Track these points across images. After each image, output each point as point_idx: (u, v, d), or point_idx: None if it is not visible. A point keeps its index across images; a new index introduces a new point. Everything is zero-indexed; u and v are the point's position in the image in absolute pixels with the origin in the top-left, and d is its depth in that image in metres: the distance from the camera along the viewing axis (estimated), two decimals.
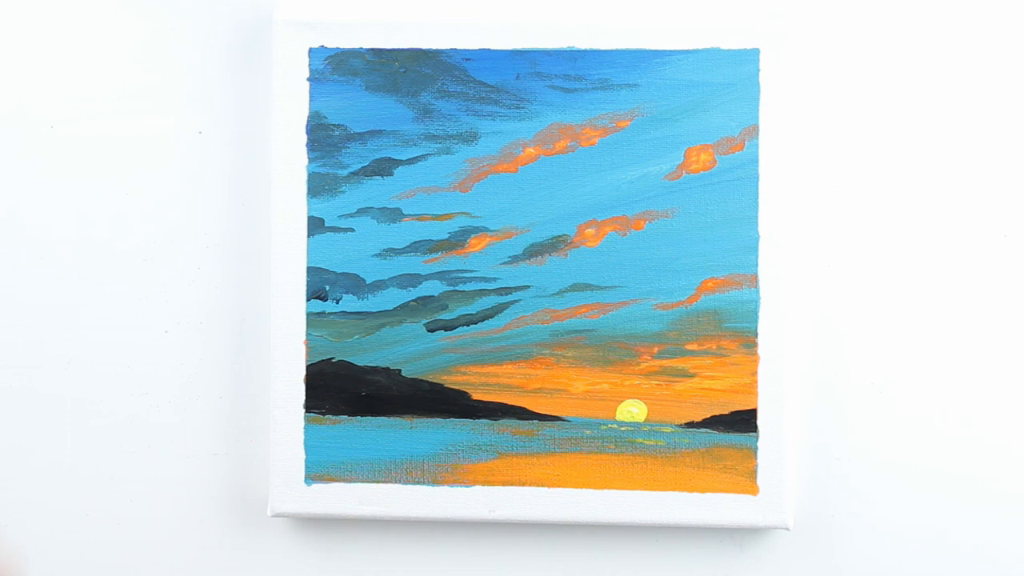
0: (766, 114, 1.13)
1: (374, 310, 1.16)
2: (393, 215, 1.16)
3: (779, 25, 1.13)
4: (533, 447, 1.15)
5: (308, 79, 1.15)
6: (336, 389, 1.16)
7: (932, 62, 1.15)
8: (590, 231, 1.15)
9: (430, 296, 1.16)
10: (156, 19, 1.19)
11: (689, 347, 1.14)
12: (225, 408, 1.19)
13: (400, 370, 1.16)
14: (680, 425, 1.15)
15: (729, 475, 1.14)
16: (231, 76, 1.18)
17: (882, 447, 1.16)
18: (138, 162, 1.19)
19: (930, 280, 1.16)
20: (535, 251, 1.15)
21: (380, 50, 1.15)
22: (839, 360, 1.16)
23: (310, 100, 1.15)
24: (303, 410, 1.16)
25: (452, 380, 1.16)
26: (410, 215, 1.16)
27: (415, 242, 1.16)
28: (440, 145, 1.15)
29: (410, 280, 1.16)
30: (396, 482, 1.16)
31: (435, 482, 1.16)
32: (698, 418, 1.14)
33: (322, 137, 1.15)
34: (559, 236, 1.15)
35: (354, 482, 1.16)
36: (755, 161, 1.13)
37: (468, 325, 1.15)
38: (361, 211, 1.16)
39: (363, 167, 1.16)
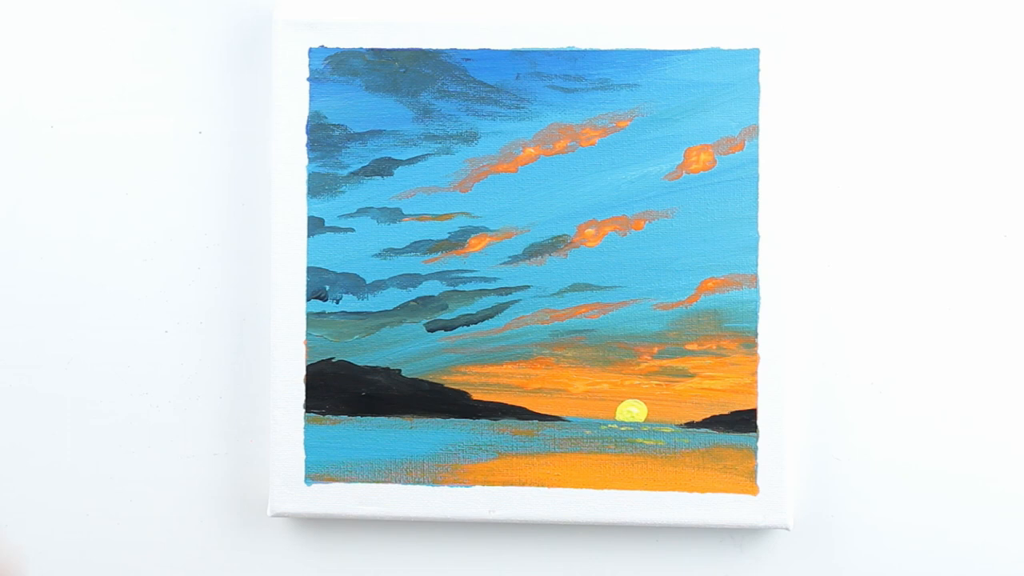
0: (766, 114, 1.13)
1: (374, 310, 1.16)
2: (393, 215, 1.16)
3: (779, 25, 1.13)
4: (533, 447, 1.15)
5: (308, 79, 1.15)
6: (336, 389, 1.16)
7: (932, 62, 1.15)
8: (590, 231, 1.15)
9: (430, 296, 1.16)
10: (156, 19, 1.19)
11: (689, 347, 1.14)
12: (225, 408, 1.19)
13: (400, 370, 1.16)
14: (680, 425, 1.15)
15: (729, 475, 1.14)
16: (231, 76, 1.18)
17: (882, 447, 1.16)
18: (138, 162, 1.19)
19: (930, 280, 1.16)
20: (535, 251, 1.15)
21: (380, 50, 1.15)
22: (839, 360, 1.16)
23: (310, 100, 1.15)
24: (303, 410, 1.16)
25: (452, 380, 1.16)
26: (410, 215, 1.16)
27: (415, 242, 1.16)
28: (440, 145, 1.15)
29: (410, 280, 1.16)
30: (396, 482, 1.16)
31: (435, 482, 1.16)
32: (698, 418, 1.14)
33: (322, 137, 1.15)
34: (559, 236, 1.15)
35: (354, 482, 1.16)
36: (755, 161, 1.13)
37: (468, 325, 1.15)
38: (361, 211, 1.16)
39: (363, 167, 1.16)
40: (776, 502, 1.14)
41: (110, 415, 1.20)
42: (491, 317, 1.15)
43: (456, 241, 1.15)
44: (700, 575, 1.18)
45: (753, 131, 1.13)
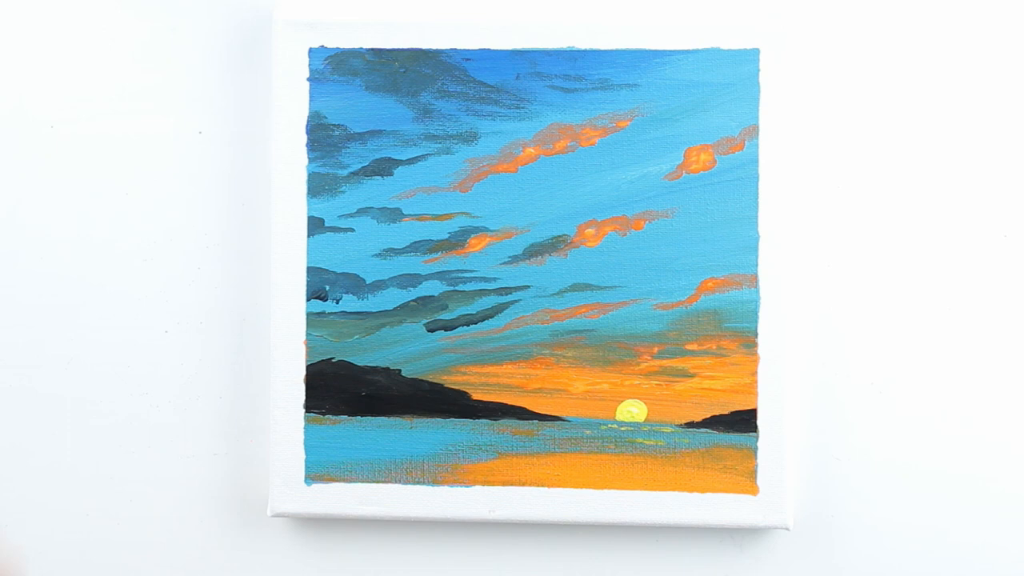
0: (766, 114, 1.13)
1: (374, 310, 1.16)
2: (393, 215, 1.16)
3: (779, 25, 1.13)
4: (533, 447, 1.15)
5: (308, 79, 1.15)
6: (336, 389, 1.16)
7: (932, 62, 1.15)
8: (590, 231, 1.15)
9: (430, 296, 1.16)
10: (156, 19, 1.19)
11: (689, 347, 1.14)
12: (225, 408, 1.19)
13: (400, 370, 1.16)
14: (680, 425, 1.15)
15: (729, 475, 1.14)
16: (231, 76, 1.18)
17: (882, 447, 1.16)
18: (138, 162, 1.19)
19: (930, 280, 1.16)
20: (535, 251, 1.15)
21: (380, 50, 1.15)
22: (839, 360, 1.16)
23: (310, 100, 1.15)
24: (303, 410, 1.16)
25: (452, 380, 1.16)
26: (410, 215, 1.16)
27: (415, 242, 1.16)
28: (440, 145, 1.15)
29: (410, 280, 1.16)
30: (396, 482, 1.16)
31: (435, 482, 1.16)
32: (698, 418, 1.14)
33: (322, 137, 1.15)
34: (559, 236, 1.15)
35: (354, 482, 1.16)
36: (755, 161, 1.13)
37: (468, 325, 1.15)
38: (361, 211, 1.16)
39: (363, 167, 1.16)
40: (776, 502, 1.14)
41: (110, 415, 1.20)
42: (491, 317, 1.15)
43: (456, 241, 1.15)
44: (700, 575, 1.18)
45: (753, 131, 1.13)
